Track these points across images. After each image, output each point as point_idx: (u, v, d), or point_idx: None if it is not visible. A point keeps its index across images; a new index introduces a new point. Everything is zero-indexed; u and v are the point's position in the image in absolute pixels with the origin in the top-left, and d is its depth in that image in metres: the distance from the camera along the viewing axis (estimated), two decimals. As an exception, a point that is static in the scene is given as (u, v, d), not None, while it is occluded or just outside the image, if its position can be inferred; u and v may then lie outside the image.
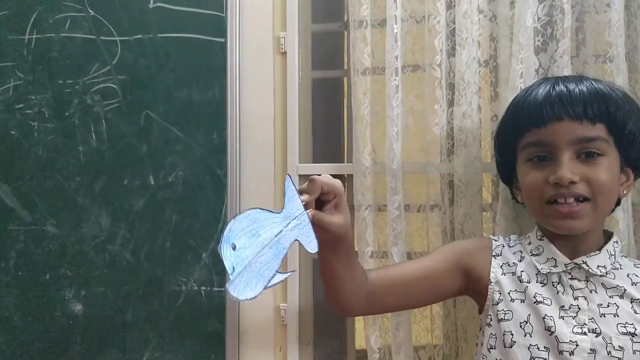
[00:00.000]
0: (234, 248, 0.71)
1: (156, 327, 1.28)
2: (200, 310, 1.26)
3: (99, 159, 1.33)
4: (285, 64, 1.29)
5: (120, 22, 1.33)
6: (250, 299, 0.70)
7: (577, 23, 1.11)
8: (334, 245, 0.85)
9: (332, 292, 0.92)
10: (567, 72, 1.06)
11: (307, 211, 0.76)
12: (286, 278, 0.74)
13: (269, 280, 0.72)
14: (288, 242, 0.74)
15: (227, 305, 1.25)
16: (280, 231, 0.74)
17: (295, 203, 0.76)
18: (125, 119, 1.32)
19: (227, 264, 0.71)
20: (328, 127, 1.35)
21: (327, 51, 1.35)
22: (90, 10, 1.34)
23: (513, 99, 0.99)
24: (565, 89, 0.89)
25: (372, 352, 1.16)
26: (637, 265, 0.93)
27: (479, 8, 1.13)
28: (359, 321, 1.25)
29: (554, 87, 0.91)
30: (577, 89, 0.89)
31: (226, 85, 1.29)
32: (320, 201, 0.80)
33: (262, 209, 0.74)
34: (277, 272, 0.72)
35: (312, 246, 0.76)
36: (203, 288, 1.27)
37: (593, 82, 0.91)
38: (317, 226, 0.78)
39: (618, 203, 0.98)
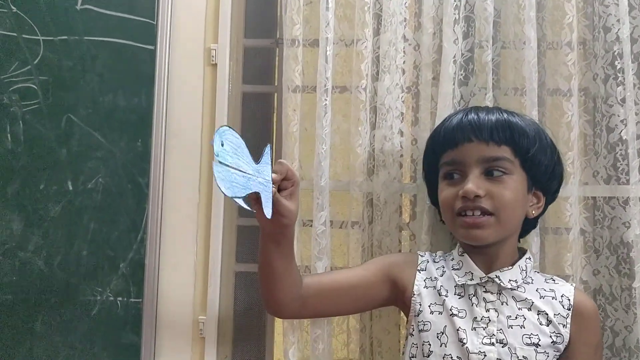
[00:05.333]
0: (222, 144, 0.86)
1: (67, 338, 1.32)
2: (115, 321, 1.32)
3: (14, 161, 1.36)
4: (215, 75, 1.38)
5: (45, 22, 1.38)
6: (222, 192, 0.84)
7: (499, 58, 1.28)
8: (278, 237, 1.00)
9: (269, 288, 1.05)
10: (486, 104, 1.22)
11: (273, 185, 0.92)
12: (244, 207, 0.89)
13: (235, 197, 0.87)
14: (254, 188, 0.89)
15: (143, 316, 1.32)
16: (251, 175, 0.89)
17: (266, 169, 0.92)
18: (45, 121, 1.37)
19: (216, 149, 0.85)
20: (257, 141, 1.45)
21: (259, 66, 1.46)
22: (12, 7, 1.39)
23: (435, 128, 1.17)
24: (476, 117, 1.09)
25: (289, 365, 1.27)
26: (548, 281, 1.10)
27: (404, 37, 1.28)
28: (278, 335, 1.35)
29: (467, 115, 1.11)
30: (486, 117, 1.09)
31: (153, 93, 1.36)
32: (277, 188, 0.95)
33: (246, 146, 0.90)
34: (241, 198, 0.87)
35: (268, 211, 0.91)
36: (119, 299, 1.33)
37: (503, 112, 1.10)
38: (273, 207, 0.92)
39: (534, 225, 1.17)
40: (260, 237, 1.02)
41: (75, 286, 1.34)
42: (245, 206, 0.89)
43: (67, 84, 1.38)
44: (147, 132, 1.36)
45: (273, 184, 0.92)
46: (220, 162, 0.85)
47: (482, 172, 1.06)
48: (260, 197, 0.90)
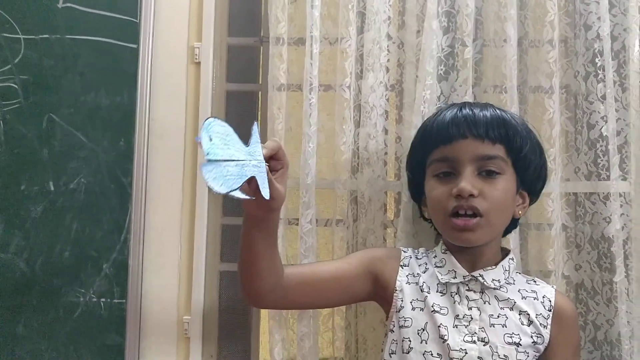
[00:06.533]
0: (209, 139, 0.84)
1: (50, 340, 1.33)
2: (99, 322, 1.33)
3: (-6, 162, 1.38)
4: (199, 74, 1.40)
5: (25, 20, 1.39)
6: (215, 192, 0.83)
7: (479, 55, 1.32)
8: (262, 222, 0.98)
9: (250, 276, 1.03)
10: (466, 100, 1.25)
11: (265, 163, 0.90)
12: (242, 199, 0.86)
13: (231, 190, 0.85)
14: (250, 173, 0.87)
15: (127, 317, 1.33)
16: (244, 160, 0.87)
17: (257, 149, 0.90)
18: (26, 121, 1.38)
19: (205, 147, 0.83)
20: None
21: (243, 64, 1.48)
22: (-8, 5, 1.40)
23: (424, 121, 1.17)
24: (470, 112, 1.09)
25: (275, 364, 1.29)
26: (529, 282, 1.13)
27: (388, 35, 1.31)
28: (264, 334, 1.37)
29: (461, 109, 1.11)
30: (481, 113, 1.09)
31: (136, 92, 1.38)
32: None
33: (234, 131, 0.88)
34: (238, 189, 0.85)
35: (266, 192, 0.89)
36: (103, 300, 1.34)
37: (496, 109, 1.12)
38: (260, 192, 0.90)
39: (516, 225, 1.18)
40: (244, 223, 1.00)
41: (57, 288, 1.35)
42: (242, 196, 0.86)
43: (48, 83, 1.39)
44: (130, 132, 1.38)
45: (265, 161, 0.91)
46: (209, 160, 0.83)
47: (476, 171, 1.07)
48: (256, 181, 0.88)
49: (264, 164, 0.90)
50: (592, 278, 1.25)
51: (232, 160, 0.85)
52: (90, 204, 1.36)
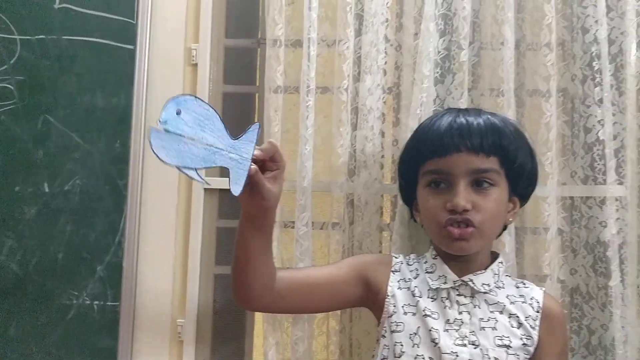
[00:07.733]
0: (178, 113, 0.83)
1: (41, 343, 1.33)
2: (91, 325, 1.34)
3: (-12, 163, 1.38)
4: (196, 75, 1.41)
5: (22, 20, 1.41)
6: (160, 159, 0.81)
7: (475, 58, 1.33)
8: (258, 221, 0.97)
9: (243, 275, 1.02)
10: (462, 103, 1.27)
11: (252, 164, 0.89)
12: (195, 180, 0.85)
13: (185, 168, 0.83)
14: (220, 162, 0.86)
15: (120, 320, 1.33)
16: (221, 149, 0.86)
17: (248, 147, 0.89)
18: (21, 122, 1.39)
19: (163, 114, 0.82)
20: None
21: (240, 66, 1.49)
22: (-12, 5, 1.41)
23: (418, 127, 1.18)
24: (465, 122, 1.09)
25: (269, 368, 1.29)
26: (519, 285, 1.14)
27: (385, 37, 1.32)
28: (258, 337, 1.37)
29: (455, 119, 1.10)
30: (475, 122, 1.09)
31: (133, 94, 1.39)
32: (261, 168, 0.92)
33: (221, 119, 0.87)
34: (195, 169, 0.84)
35: (237, 188, 0.87)
36: (96, 302, 1.35)
37: (489, 117, 1.11)
38: (252, 189, 0.90)
39: (504, 228, 1.19)
40: (240, 220, 0.99)
41: (50, 290, 1.35)
42: (198, 179, 0.85)
43: (44, 84, 1.40)
44: (126, 133, 1.38)
45: (254, 162, 0.89)
46: (166, 130, 0.81)
47: (469, 183, 1.07)
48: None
49: (247, 163, 0.89)
50: (588, 282, 1.26)
51: (202, 143, 0.84)
52: (84, 205, 1.37)
